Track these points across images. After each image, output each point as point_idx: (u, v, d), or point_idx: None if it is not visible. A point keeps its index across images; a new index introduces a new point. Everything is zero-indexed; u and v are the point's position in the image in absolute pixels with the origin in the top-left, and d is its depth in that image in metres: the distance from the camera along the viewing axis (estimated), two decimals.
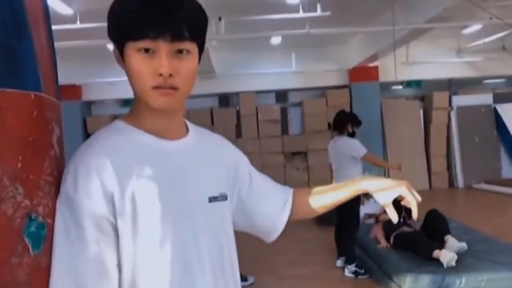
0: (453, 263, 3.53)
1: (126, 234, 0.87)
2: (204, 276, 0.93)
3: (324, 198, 1.17)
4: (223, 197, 1.01)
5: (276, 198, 1.17)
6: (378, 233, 4.46)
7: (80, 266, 0.83)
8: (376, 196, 1.07)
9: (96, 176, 0.85)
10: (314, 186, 1.22)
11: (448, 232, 4.05)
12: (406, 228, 4.20)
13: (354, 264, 4.37)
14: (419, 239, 4.00)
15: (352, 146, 4.45)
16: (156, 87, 0.89)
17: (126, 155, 0.90)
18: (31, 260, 0.81)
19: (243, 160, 1.15)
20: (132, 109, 0.99)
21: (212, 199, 0.98)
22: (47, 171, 0.86)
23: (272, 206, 1.16)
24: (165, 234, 0.89)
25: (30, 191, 0.82)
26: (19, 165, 0.80)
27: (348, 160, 4.44)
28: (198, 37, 0.93)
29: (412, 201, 1.03)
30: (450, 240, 3.89)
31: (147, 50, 0.88)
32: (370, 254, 4.43)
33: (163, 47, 0.87)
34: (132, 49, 0.89)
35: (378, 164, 4.95)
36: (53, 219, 0.85)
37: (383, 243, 4.33)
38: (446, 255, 3.57)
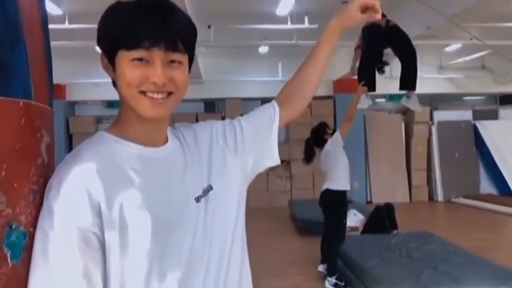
0: (364, 106, 4.30)
1: (114, 248, 0.84)
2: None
3: (311, 62, 1.20)
4: (208, 189, 0.99)
5: (265, 117, 1.16)
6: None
7: (60, 285, 0.80)
8: (349, 20, 1.16)
9: (83, 186, 0.83)
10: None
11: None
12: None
13: (334, 277, 4.39)
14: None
15: (334, 142, 4.53)
16: (145, 92, 0.88)
17: (112, 166, 0.88)
18: (9, 270, 0.78)
19: (215, 129, 1.10)
20: (117, 119, 0.97)
21: (198, 199, 0.96)
22: (33, 179, 0.84)
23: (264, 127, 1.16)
24: (156, 246, 0.86)
25: (13, 200, 0.79)
26: (3, 173, 0.78)
27: (337, 156, 4.50)
28: (189, 49, 0.93)
29: (373, 3, 1.12)
30: (413, 97, 4.19)
31: (140, 59, 0.87)
32: (351, 266, 4.44)
33: (157, 56, 0.87)
34: (125, 58, 0.88)
35: (350, 118, 4.54)
36: (36, 228, 0.82)
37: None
38: (365, 100, 4.17)
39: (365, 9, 1.14)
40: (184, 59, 0.92)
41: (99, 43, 0.93)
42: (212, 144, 1.06)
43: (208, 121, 1.14)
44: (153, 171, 0.92)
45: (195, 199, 0.96)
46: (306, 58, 1.21)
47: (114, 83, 0.95)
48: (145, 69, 0.87)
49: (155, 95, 0.89)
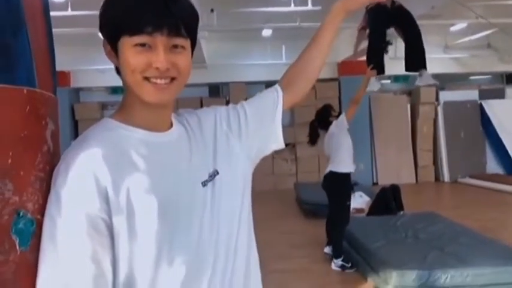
0: (374, 89, 4.31)
1: (122, 233, 0.84)
2: (214, 273, 0.93)
3: (315, 45, 1.18)
4: (214, 174, 0.99)
5: (268, 101, 1.16)
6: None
7: (69, 271, 0.81)
8: (354, 2, 1.16)
9: (90, 172, 0.83)
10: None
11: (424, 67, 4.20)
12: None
13: (340, 259, 4.42)
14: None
15: (339, 124, 4.51)
16: (149, 78, 0.88)
17: (118, 151, 0.88)
18: (18, 257, 0.79)
19: (218, 114, 1.10)
20: (122, 105, 0.97)
21: (204, 183, 0.97)
22: (39, 166, 0.84)
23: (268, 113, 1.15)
24: (164, 230, 0.87)
25: (19, 187, 0.80)
26: (9, 161, 0.78)
27: (342, 139, 4.50)
28: (192, 33, 0.93)
29: None
30: (425, 74, 4.15)
31: (143, 45, 0.87)
32: (358, 248, 4.47)
33: (160, 42, 0.87)
34: (128, 44, 0.88)
35: (357, 101, 4.54)
36: (43, 215, 0.83)
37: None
38: (375, 83, 4.20)
39: None
40: (187, 43, 0.92)
41: (101, 30, 0.93)
42: (216, 129, 1.06)
43: (211, 107, 1.14)
44: (159, 156, 0.92)
45: (202, 183, 0.96)
46: (310, 41, 1.20)
47: (118, 70, 0.95)
48: (148, 55, 0.87)
49: (158, 81, 0.89)
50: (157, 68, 0.87)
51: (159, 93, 0.89)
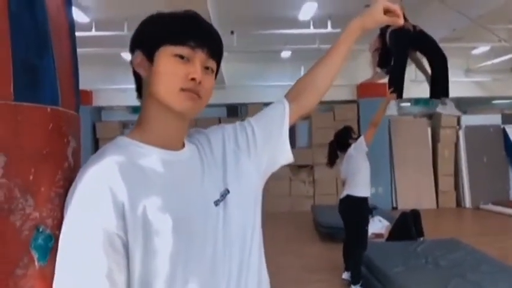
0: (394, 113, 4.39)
1: (136, 251, 0.84)
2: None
3: (328, 60, 1.19)
4: (225, 193, 0.99)
5: (275, 115, 1.16)
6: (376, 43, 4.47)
7: (84, 283, 0.81)
8: (373, 21, 1.16)
9: (107, 187, 0.83)
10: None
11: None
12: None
13: (358, 284, 4.33)
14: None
15: (358, 147, 4.46)
16: (184, 90, 0.91)
17: (133, 168, 0.88)
18: (36, 272, 0.80)
19: (226, 132, 1.11)
20: (138, 123, 0.98)
21: (216, 202, 0.97)
22: (59, 183, 0.85)
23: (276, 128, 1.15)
24: (179, 250, 0.87)
25: (40, 203, 0.81)
26: (31, 177, 0.80)
27: (360, 162, 4.45)
28: (220, 60, 1.00)
29: (394, 8, 1.14)
30: (449, 103, 4.12)
31: (181, 57, 0.92)
32: (377, 274, 4.37)
33: (198, 57, 0.93)
34: (168, 53, 0.92)
35: (375, 124, 4.44)
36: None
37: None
38: (394, 107, 4.19)
39: (386, 12, 1.15)
40: (215, 67, 0.98)
41: (137, 38, 0.97)
42: (225, 148, 1.07)
43: (219, 125, 1.14)
44: (174, 174, 0.93)
45: (214, 203, 0.96)
46: (324, 55, 1.20)
47: (138, 88, 0.98)
48: (185, 67, 0.92)
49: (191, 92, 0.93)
50: (193, 79, 0.91)
51: (189, 102, 0.92)
